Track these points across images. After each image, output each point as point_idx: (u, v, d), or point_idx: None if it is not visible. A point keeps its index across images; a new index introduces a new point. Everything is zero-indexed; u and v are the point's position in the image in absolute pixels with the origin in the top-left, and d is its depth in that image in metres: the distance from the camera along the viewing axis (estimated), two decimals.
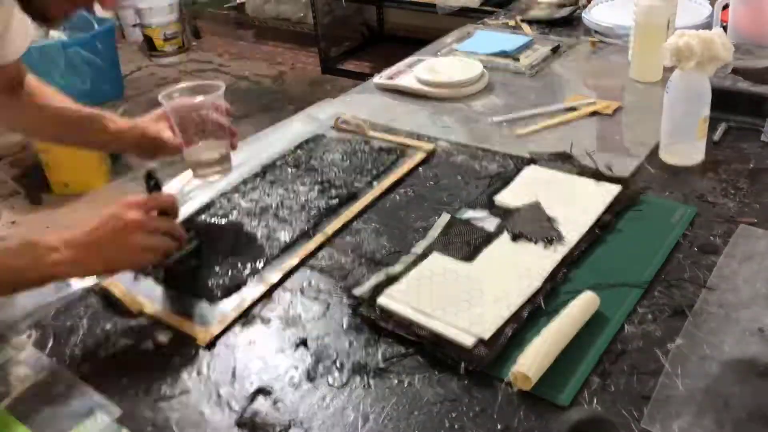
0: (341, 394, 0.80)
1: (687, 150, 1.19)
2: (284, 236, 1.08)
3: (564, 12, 1.94)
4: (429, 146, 1.30)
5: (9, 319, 0.96)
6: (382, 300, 0.92)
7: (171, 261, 0.98)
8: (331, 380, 0.82)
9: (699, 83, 1.13)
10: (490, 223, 1.07)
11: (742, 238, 0.99)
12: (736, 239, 0.99)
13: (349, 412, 0.78)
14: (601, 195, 1.10)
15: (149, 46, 4.59)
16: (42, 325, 0.94)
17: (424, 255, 1.00)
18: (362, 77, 3.29)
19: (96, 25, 3.75)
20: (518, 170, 1.20)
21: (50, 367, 0.87)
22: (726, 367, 0.79)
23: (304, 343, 0.87)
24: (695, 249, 0.99)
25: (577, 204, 1.08)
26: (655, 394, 0.76)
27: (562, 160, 1.21)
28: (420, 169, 1.25)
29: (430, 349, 0.84)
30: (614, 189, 1.11)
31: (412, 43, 2.42)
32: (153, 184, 0.99)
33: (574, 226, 1.03)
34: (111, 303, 0.97)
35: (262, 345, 0.89)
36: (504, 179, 1.17)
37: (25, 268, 0.86)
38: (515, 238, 1.02)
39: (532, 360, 0.79)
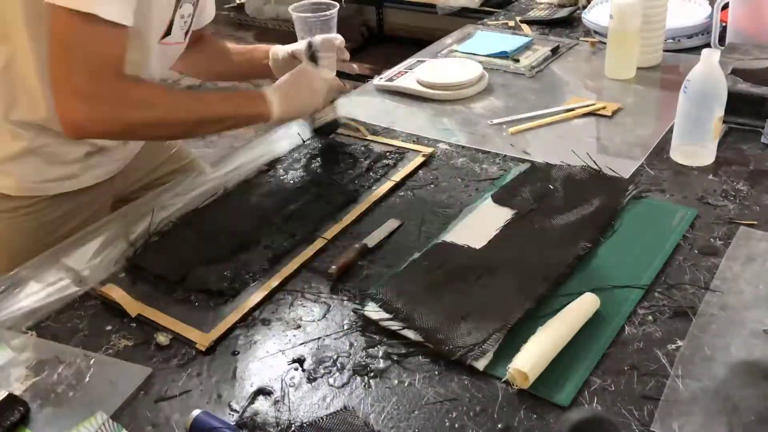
0: (341, 394, 0.81)
1: (700, 150, 1.19)
2: (285, 240, 1.08)
3: (563, 12, 1.95)
4: (428, 150, 1.30)
5: (9, 319, 0.96)
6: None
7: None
8: (331, 380, 0.83)
9: (717, 82, 1.13)
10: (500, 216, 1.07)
11: (742, 240, 0.99)
12: (737, 241, 0.99)
13: (349, 412, 0.78)
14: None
15: None
16: (42, 326, 0.94)
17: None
18: (362, 78, 3.30)
19: None
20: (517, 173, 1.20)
21: (50, 368, 0.87)
22: (733, 370, 0.79)
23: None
24: (695, 251, 0.99)
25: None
26: (664, 397, 0.76)
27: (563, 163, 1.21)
28: (420, 171, 1.25)
29: (435, 346, 0.84)
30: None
31: (411, 43, 2.43)
32: (311, 53, 1.29)
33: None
34: (111, 305, 0.97)
35: (263, 346, 0.89)
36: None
37: (253, 114, 1.18)
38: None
39: (528, 357, 0.79)
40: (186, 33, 1.22)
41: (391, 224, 1.09)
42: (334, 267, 0.99)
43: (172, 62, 1.28)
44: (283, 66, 1.35)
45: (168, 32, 1.15)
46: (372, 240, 1.05)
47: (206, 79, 1.47)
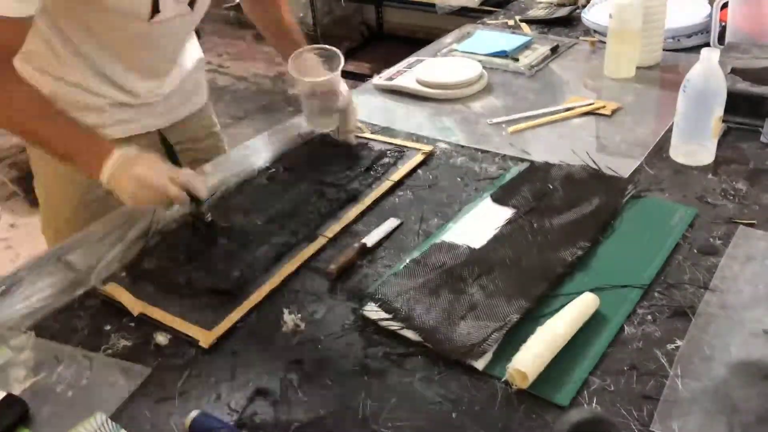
0: (341, 395, 0.80)
1: (699, 150, 1.19)
2: (285, 239, 1.08)
3: (563, 12, 1.95)
4: (427, 148, 1.30)
5: (9, 319, 0.96)
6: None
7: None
8: (331, 380, 0.83)
9: (716, 82, 1.13)
10: (498, 217, 1.07)
11: (742, 240, 0.99)
12: (736, 240, 0.99)
13: (349, 412, 0.78)
14: None
15: None
16: (41, 326, 0.94)
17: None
18: (361, 77, 3.30)
19: None
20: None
21: (49, 368, 0.87)
22: (732, 370, 0.79)
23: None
24: (695, 250, 0.99)
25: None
26: (663, 397, 0.76)
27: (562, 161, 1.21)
28: (419, 170, 1.25)
29: (434, 346, 0.84)
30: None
31: (411, 43, 2.43)
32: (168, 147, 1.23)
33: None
34: (111, 305, 0.97)
35: (263, 346, 0.89)
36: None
37: (82, 162, 1.07)
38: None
39: (528, 357, 0.79)
40: (191, 3, 1.19)
41: (391, 223, 1.09)
42: (333, 266, 0.99)
43: (186, 35, 1.30)
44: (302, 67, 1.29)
45: (156, 10, 1.12)
46: (371, 239, 1.05)
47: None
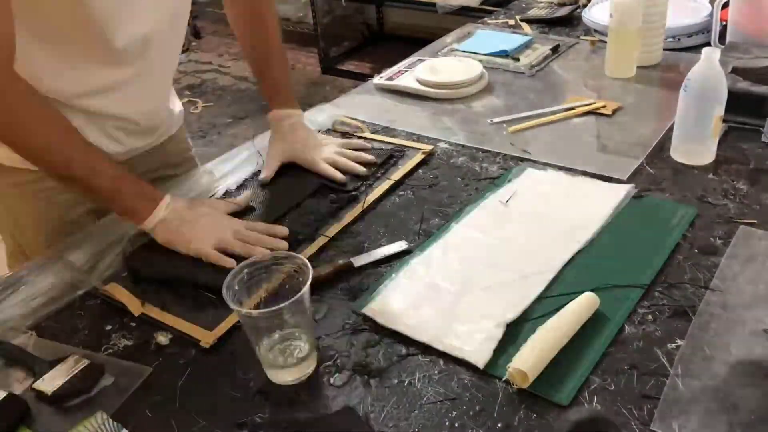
0: (341, 394, 0.81)
1: (700, 149, 1.19)
2: (285, 239, 1.07)
3: (564, 11, 1.94)
4: (428, 147, 1.30)
5: (9, 319, 0.96)
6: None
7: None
8: (331, 380, 0.83)
9: (717, 81, 1.13)
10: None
11: (742, 239, 0.99)
12: (737, 240, 0.99)
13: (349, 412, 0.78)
14: (606, 195, 1.10)
15: None
16: (42, 326, 0.94)
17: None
18: (362, 77, 3.31)
19: None
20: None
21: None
22: (733, 369, 0.79)
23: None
24: (695, 250, 0.99)
25: (586, 206, 1.09)
26: (664, 396, 0.76)
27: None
28: (420, 170, 1.25)
29: (434, 345, 0.84)
30: (620, 189, 1.11)
31: (412, 42, 2.43)
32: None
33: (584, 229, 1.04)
34: (111, 305, 0.97)
35: None
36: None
37: (127, 211, 1.04)
38: None
39: (528, 356, 0.79)
40: None
41: (395, 247, 1.04)
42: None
43: (171, 12, 1.12)
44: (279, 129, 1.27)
45: None
46: (362, 260, 1.02)
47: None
